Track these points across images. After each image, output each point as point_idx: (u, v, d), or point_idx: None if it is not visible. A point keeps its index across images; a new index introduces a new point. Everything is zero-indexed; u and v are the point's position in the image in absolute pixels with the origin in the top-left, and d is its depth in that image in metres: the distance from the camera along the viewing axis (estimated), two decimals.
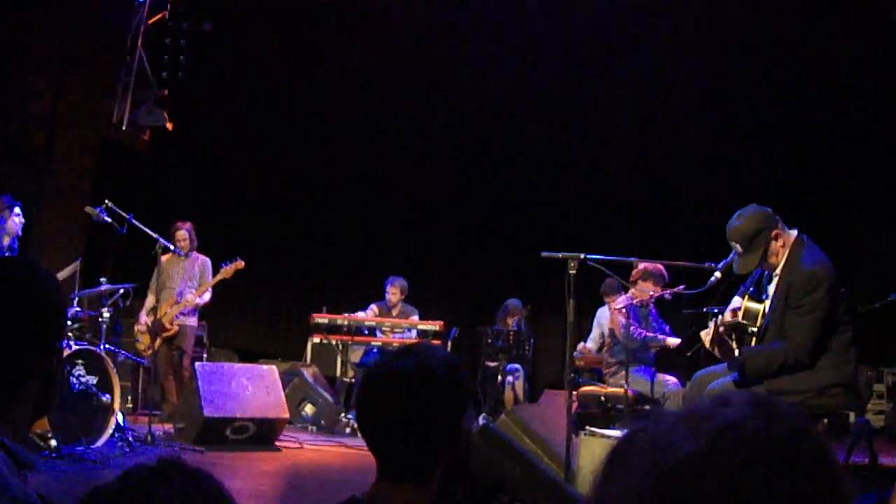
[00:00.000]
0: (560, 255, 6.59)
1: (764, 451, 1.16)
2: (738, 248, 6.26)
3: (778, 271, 6.25)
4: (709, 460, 1.15)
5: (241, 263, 11.66)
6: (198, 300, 11.77)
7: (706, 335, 6.44)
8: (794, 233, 6.28)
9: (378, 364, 2.72)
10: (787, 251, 6.21)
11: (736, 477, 1.13)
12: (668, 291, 9.08)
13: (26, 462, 2.21)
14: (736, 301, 6.71)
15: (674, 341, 10.20)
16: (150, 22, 13.60)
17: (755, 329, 6.43)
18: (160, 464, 1.64)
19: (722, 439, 1.16)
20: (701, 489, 1.13)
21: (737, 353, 6.30)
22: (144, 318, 11.72)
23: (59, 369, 2.40)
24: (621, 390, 9.18)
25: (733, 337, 6.42)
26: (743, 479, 1.13)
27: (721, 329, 6.32)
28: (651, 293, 9.87)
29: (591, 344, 11.66)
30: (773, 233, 6.17)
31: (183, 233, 11.67)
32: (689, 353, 9.04)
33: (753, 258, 6.23)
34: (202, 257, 11.91)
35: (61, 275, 9.74)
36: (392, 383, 2.58)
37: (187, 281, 11.78)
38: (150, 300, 11.76)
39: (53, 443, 8.36)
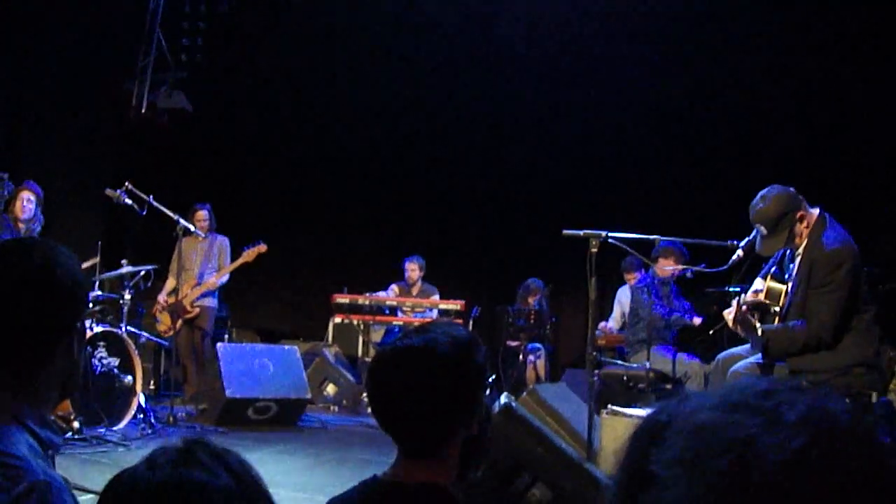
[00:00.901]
0: (581, 233, 6.55)
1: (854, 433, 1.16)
2: (763, 230, 6.23)
3: (800, 251, 6.22)
4: (821, 453, 1.13)
5: (263, 247, 11.67)
6: (217, 282, 11.78)
7: (729, 314, 6.42)
8: (817, 211, 6.24)
9: (387, 344, 2.74)
10: (810, 231, 6.18)
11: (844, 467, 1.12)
12: (690, 269, 9.04)
13: (51, 444, 2.22)
14: (758, 282, 6.69)
15: (697, 320, 10.18)
16: (168, 5, 13.59)
17: (777, 309, 6.40)
18: (186, 444, 1.65)
19: (819, 430, 1.15)
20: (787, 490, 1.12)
21: (759, 332, 6.28)
22: (164, 298, 11.74)
23: (82, 350, 2.39)
24: (643, 371, 9.16)
25: (756, 316, 6.40)
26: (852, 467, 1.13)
27: (744, 308, 6.30)
28: (672, 270, 9.85)
29: (612, 323, 11.63)
30: (798, 214, 6.14)
31: (203, 213, 11.69)
32: (710, 332, 8.99)
33: (779, 240, 6.21)
34: (220, 237, 11.93)
35: (83, 267, 9.75)
36: (398, 361, 2.60)
37: (206, 262, 11.81)
38: (170, 282, 11.79)
39: (76, 424, 8.39)
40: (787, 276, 6.43)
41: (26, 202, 10.03)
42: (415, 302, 13.15)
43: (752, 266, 6.85)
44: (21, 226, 9.92)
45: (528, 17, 14.31)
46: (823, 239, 6.10)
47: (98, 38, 13.31)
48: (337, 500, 2.74)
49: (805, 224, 6.17)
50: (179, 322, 11.56)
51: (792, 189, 6.25)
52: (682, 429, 1.25)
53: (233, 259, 11.85)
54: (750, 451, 1.14)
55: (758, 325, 6.31)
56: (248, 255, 11.68)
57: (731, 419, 1.19)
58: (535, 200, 14.75)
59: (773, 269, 6.58)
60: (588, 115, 14.19)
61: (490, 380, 2.71)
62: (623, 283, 11.65)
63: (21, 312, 2.22)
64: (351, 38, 14.87)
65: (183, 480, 1.56)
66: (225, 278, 11.87)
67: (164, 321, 11.80)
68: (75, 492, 2.15)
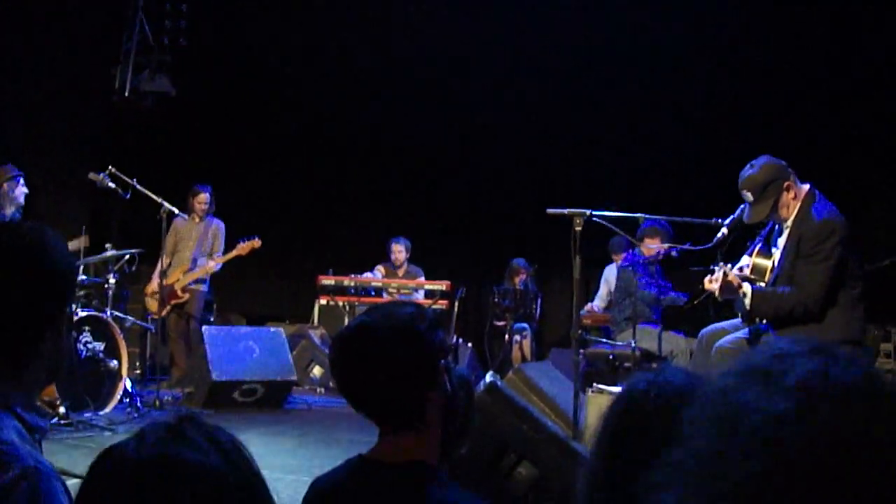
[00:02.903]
0: (566, 211, 6.57)
1: (853, 396, 1.16)
2: (750, 196, 6.27)
3: (789, 223, 6.26)
4: (806, 416, 1.14)
5: (257, 242, 11.63)
6: (215, 269, 11.75)
7: (711, 282, 6.46)
8: (807, 187, 6.28)
9: (342, 327, 2.79)
10: (799, 204, 6.22)
11: (833, 429, 1.13)
12: (675, 248, 9.07)
13: (38, 428, 2.22)
14: (744, 259, 6.72)
15: (683, 299, 10.21)
16: None
17: (763, 284, 6.43)
18: (176, 421, 1.64)
19: (810, 393, 1.16)
20: (803, 446, 1.12)
21: (745, 291, 6.32)
22: (155, 281, 11.70)
23: (69, 334, 2.40)
24: (628, 350, 9.18)
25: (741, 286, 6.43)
26: (842, 429, 1.13)
27: (728, 277, 6.34)
28: (658, 250, 9.87)
29: (598, 302, 11.66)
30: (785, 184, 6.18)
31: (205, 196, 11.71)
32: (696, 302, 8.98)
33: (764, 207, 6.24)
34: (216, 221, 11.92)
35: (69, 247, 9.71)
36: (352, 340, 2.68)
37: (200, 246, 11.78)
38: (164, 263, 11.76)
39: (62, 409, 8.39)
40: (773, 248, 6.46)
41: (22, 187, 10.01)
42: (400, 283, 13.15)
43: (737, 245, 6.88)
44: (9, 210, 9.89)
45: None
46: (813, 211, 6.15)
47: (81, 21, 13.26)
48: (322, 478, 2.79)
49: (792, 195, 6.21)
50: (167, 307, 11.56)
51: (782, 161, 6.29)
52: (704, 393, 1.27)
53: (226, 247, 11.82)
54: (741, 418, 1.15)
55: (745, 285, 6.34)
56: (242, 248, 11.65)
57: (739, 384, 1.20)
58: (520, 181, 14.74)
59: (759, 245, 6.61)
60: (573, 94, 14.16)
61: (450, 353, 2.74)
62: (610, 261, 11.68)
63: (10, 296, 2.22)
64: (335, 19, 14.83)
65: (172, 458, 1.55)
66: (218, 266, 11.83)
67: (152, 306, 11.78)
68: (61, 476, 2.14)
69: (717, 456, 1.16)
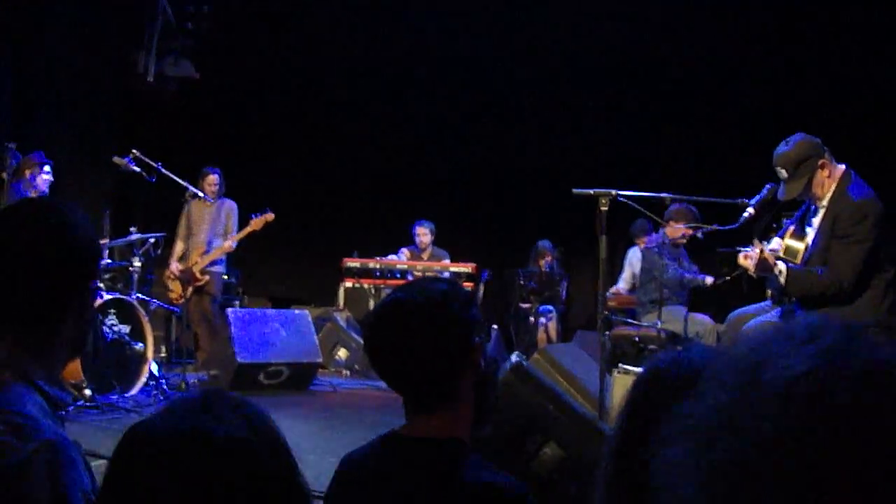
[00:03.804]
0: (591, 191, 6.53)
1: (879, 368, 1.14)
2: (784, 173, 6.23)
3: (825, 203, 6.22)
4: (829, 378, 1.12)
5: (270, 216, 11.61)
6: (227, 244, 11.74)
7: (747, 259, 6.43)
8: (842, 167, 6.24)
9: (378, 303, 2.78)
10: (835, 184, 6.18)
11: (858, 392, 1.11)
12: (701, 231, 9.02)
13: (61, 402, 2.22)
14: (775, 242, 6.67)
15: (710, 279, 10.16)
16: None
17: (795, 265, 6.39)
18: (204, 395, 1.65)
19: (835, 358, 1.14)
20: (822, 406, 1.10)
21: (780, 269, 6.28)
22: (175, 265, 11.72)
23: (93, 311, 2.40)
24: (653, 331, 9.16)
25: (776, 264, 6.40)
26: (864, 396, 1.11)
27: (764, 255, 6.32)
28: (683, 232, 9.83)
29: (622, 284, 11.62)
30: (820, 162, 6.14)
31: (214, 177, 11.67)
32: (726, 278, 8.91)
33: (798, 184, 6.20)
34: (228, 202, 11.89)
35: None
36: (388, 315, 2.66)
37: (214, 227, 11.77)
38: (178, 246, 11.78)
39: (88, 392, 8.43)
40: (808, 227, 6.42)
41: (46, 175, 10.03)
42: (425, 265, 13.15)
43: (767, 225, 6.85)
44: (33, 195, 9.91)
45: None
46: (849, 191, 6.10)
47: (105, 6, 13.27)
48: (354, 454, 2.78)
49: (827, 174, 6.17)
50: (190, 289, 11.58)
51: (818, 139, 6.26)
52: (725, 351, 1.25)
53: (240, 225, 11.82)
54: (760, 370, 1.13)
55: (780, 263, 6.31)
56: (255, 223, 11.62)
57: (764, 344, 1.18)
58: (545, 162, 14.69)
59: (792, 226, 6.57)
60: (597, 74, 14.12)
61: (483, 331, 2.74)
62: (633, 245, 11.63)
63: (36, 271, 2.23)
64: (358, 6, 14.82)
65: (200, 430, 1.55)
66: (233, 245, 11.83)
67: (175, 289, 11.79)
68: (87, 458, 2.14)
69: (731, 409, 1.14)
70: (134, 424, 1.63)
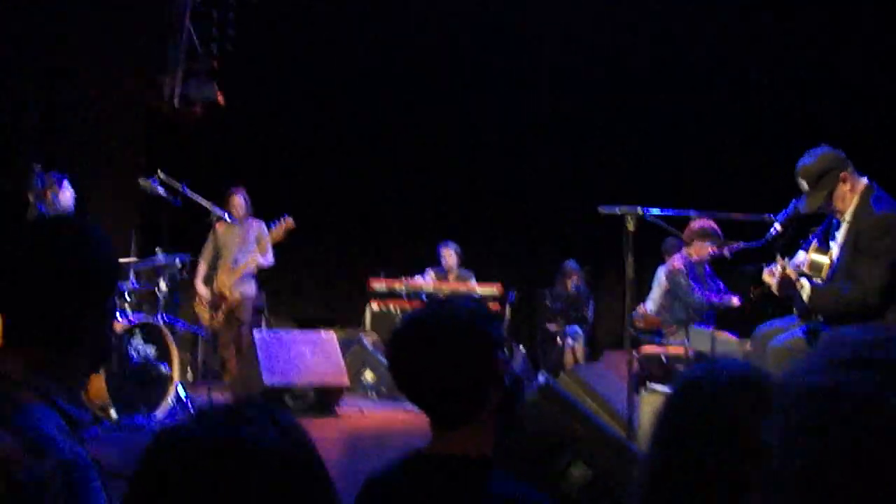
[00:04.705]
0: (618, 209, 6.51)
1: None
2: (805, 185, 6.20)
3: (848, 217, 6.17)
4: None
5: (290, 222, 11.59)
6: (261, 261, 11.70)
7: (771, 276, 6.39)
8: (865, 180, 6.19)
9: (403, 320, 2.78)
10: (858, 197, 6.13)
11: None
12: (727, 249, 8.96)
13: (80, 421, 2.20)
14: (800, 255, 6.63)
15: (737, 301, 10.08)
16: None
17: (820, 280, 6.34)
18: (239, 403, 1.64)
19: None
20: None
21: (803, 287, 6.24)
22: (202, 290, 11.70)
23: (112, 328, 2.39)
24: (681, 349, 9.09)
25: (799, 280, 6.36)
26: None
27: (786, 271, 6.28)
28: (709, 251, 9.77)
29: (650, 304, 11.54)
30: (841, 175, 6.10)
31: (239, 198, 11.66)
32: (751, 299, 8.86)
33: (818, 197, 6.16)
34: (256, 221, 11.87)
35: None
36: (413, 330, 2.67)
37: (242, 247, 11.75)
38: (202, 268, 11.76)
39: (113, 413, 8.44)
40: (832, 241, 6.37)
41: (67, 191, 10.03)
42: (452, 287, 13.14)
43: (793, 241, 6.79)
44: None
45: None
46: (873, 204, 6.06)
47: (129, 29, 13.33)
48: (378, 473, 2.77)
49: (849, 187, 6.12)
50: (220, 314, 11.57)
51: (841, 152, 6.21)
52: (789, 396, 1.20)
53: None
54: (873, 409, 1.09)
55: (803, 280, 6.26)
56: (276, 233, 11.61)
57: (845, 378, 1.14)
58: (570, 182, 14.67)
59: (816, 241, 6.52)
60: (624, 92, 14.10)
61: (507, 348, 2.78)
62: (663, 262, 11.57)
63: (53, 288, 2.22)
64: (382, 26, 14.85)
65: (231, 436, 1.53)
66: (270, 258, 11.75)
67: (202, 314, 11.77)
68: (106, 474, 2.13)
69: (845, 459, 1.10)
70: (164, 429, 1.61)
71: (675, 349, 9.54)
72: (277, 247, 11.77)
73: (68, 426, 2.12)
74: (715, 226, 9.80)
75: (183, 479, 1.51)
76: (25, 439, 1.97)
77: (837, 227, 6.35)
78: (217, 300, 11.45)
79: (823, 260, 6.36)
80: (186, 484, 1.51)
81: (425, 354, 2.59)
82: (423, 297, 12.92)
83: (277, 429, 1.58)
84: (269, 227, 11.67)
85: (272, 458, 1.54)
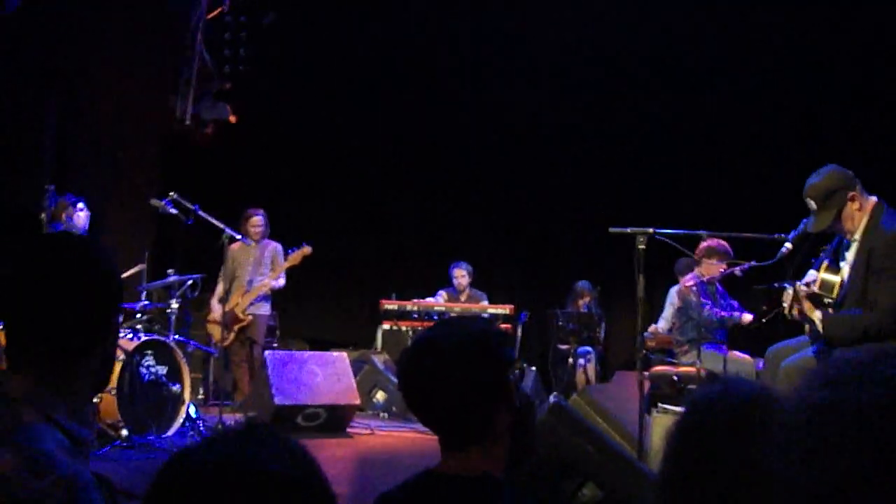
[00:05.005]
0: (629, 230, 6.52)
1: None
2: (813, 204, 6.17)
3: (858, 236, 6.13)
4: None
5: (307, 250, 11.68)
6: (273, 284, 11.75)
7: (788, 299, 6.37)
8: (874, 199, 6.16)
9: (413, 340, 2.80)
10: (867, 216, 6.09)
11: None
12: (739, 268, 8.96)
13: (83, 439, 2.19)
14: (811, 275, 6.60)
15: (748, 317, 10.06)
16: (210, 16, 13.65)
17: (831, 300, 6.31)
18: (246, 425, 1.63)
19: None
20: None
21: (818, 318, 6.21)
22: (217, 308, 11.73)
23: (116, 346, 2.38)
24: (693, 369, 9.07)
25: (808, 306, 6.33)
26: None
27: (801, 294, 6.26)
28: (720, 270, 9.76)
29: (662, 324, 11.51)
30: (850, 194, 6.06)
31: (258, 219, 11.74)
32: (763, 321, 8.86)
33: (827, 217, 6.13)
34: (273, 243, 11.94)
35: (126, 275, 9.77)
36: (422, 350, 2.66)
37: (257, 268, 11.79)
38: (219, 288, 11.79)
39: (124, 432, 8.46)
40: (842, 262, 6.34)
41: (81, 212, 10.06)
42: (463, 307, 13.13)
43: (802, 262, 6.78)
44: None
45: (574, 9, 14.22)
46: (883, 224, 6.00)
47: (142, 50, 13.40)
48: (387, 493, 2.76)
49: (857, 206, 6.08)
50: (232, 335, 11.60)
51: (849, 171, 6.18)
52: (791, 416, 1.19)
53: None
54: (884, 423, 1.08)
55: (816, 313, 6.23)
56: (293, 258, 11.69)
57: (848, 395, 1.13)
58: (582, 201, 14.65)
59: (826, 260, 6.49)
60: (633, 111, 14.11)
61: (518, 369, 2.80)
62: (676, 283, 11.55)
63: (57, 306, 2.20)
64: (390, 47, 14.88)
65: (241, 461, 1.53)
66: (282, 281, 11.86)
67: (215, 333, 11.80)
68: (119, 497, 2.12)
69: (813, 452, 1.09)
70: (175, 453, 1.61)
71: (687, 369, 9.53)
72: (290, 269, 11.80)
73: (71, 444, 2.12)
74: (725, 244, 9.80)
75: (194, 501, 1.51)
76: (26, 456, 1.96)
77: (847, 246, 6.31)
78: (230, 320, 11.46)
79: (834, 279, 6.33)
80: None
81: (434, 373, 2.59)
82: (435, 317, 12.90)
83: (287, 452, 1.58)
84: (286, 252, 11.72)
85: (282, 481, 1.53)
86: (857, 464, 1.08)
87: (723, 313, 10.17)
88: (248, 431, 1.60)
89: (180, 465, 1.57)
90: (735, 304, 10.45)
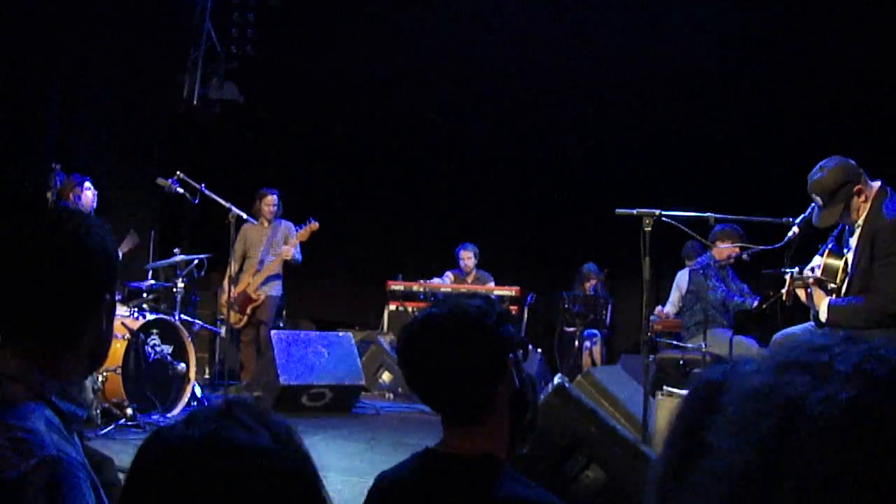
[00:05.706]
0: (635, 211, 6.49)
1: None
2: (819, 200, 6.13)
3: (860, 222, 6.10)
4: (876, 401, 1.06)
5: (315, 225, 11.65)
6: (294, 253, 11.68)
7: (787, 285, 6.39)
8: (878, 185, 6.13)
9: (414, 318, 2.77)
10: (870, 203, 6.06)
11: None
12: (746, 252, 8.94)
13: (74, 417, 2.17)
14: (816, 259, 6.58)
15: (756, 303, 10.04)
16: None
17: (834, 285, 6.29)
18: (226, 404, 1.63)
19: (870, 377, 1.08)
20: (878, 433, 1.04)
21: (823, 315, 6.20)
22: (228, 288, 11.71)
23: (111, 325, 2.34)
24: (699, 353, 9.05)
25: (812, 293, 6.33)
26: None
27: (797, 282, 6.26)
28: (729, 253, 9.73)
29: (669, 307, 11.48)
30: (856, 188, 6.03)
31: (273, 198, 11.76)
32: (764, 307, 8.85)
33: (834, 212, 6.10)
34: (285, 223, 11.92)
35: (122, 248, 9.74)
36: (422, 330, 2.65)
37: (269, 248, 11.78)
38: (232, 268, 11.77)
39: (129, 411, 8.47)
40: (846, 249, 6.31)
41: (89, 191, 10.03)
42: (470, 289, 13.11)
43: (809, 246, 6.75)
44: None
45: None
46: (884, 209, 5.97)
47: (149, 30, 13.37)
48: (388, 471, 2.78)
49: (863, 198, 6.05)
50: (245, 318, 11.60)
51: (852, 161, 6.14)
52: (733, 395, 1.18)
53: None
54: (797, 411, 1.06)
55: (822, 304, 6.22)
56: (301, 235, 11.66)
57: (781, 380, 1.12)
58: (589, 184, 14.62)
59: (830, 245, 6.47)
60: (641, 94, 14.06)
61: (519, 347, 2.74)
62: (683, 266, 11.52)
63: (52, 283, 2.16)
64: (401, 26, 14.84)
65: (220, 437, 1.53)
66: (298, 256, 11.84)
67: (232, 318, 11.77)
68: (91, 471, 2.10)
69: (767, 462, 1.08)
70: (154, 430, 1.62)
71: (693, 353, 9.52)
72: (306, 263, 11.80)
73: (61, 422, 2.10)
74: (737, 227, 9.77)
75: (173, 480, 1.52)
76: (11, 436, 1.93)
77: (851, 232, 6.29)
78: (243, 301, 11.46)
79: (837, 264, 6.31)
80: (176, 485, 1.51)
81: (434, 351, 2.58)
82: (441, 297, 12.89)
83: (270, 433, 1.58)
84: (295, 229, 11.71)
85: (261, 459, 1.54)
86: (779, 449, 1.07)
87: (735, 297, 10.16)
88: (228, 408, 1.61)
89: (160, 442, 1.58)
90: (745, 287, 10.44)
